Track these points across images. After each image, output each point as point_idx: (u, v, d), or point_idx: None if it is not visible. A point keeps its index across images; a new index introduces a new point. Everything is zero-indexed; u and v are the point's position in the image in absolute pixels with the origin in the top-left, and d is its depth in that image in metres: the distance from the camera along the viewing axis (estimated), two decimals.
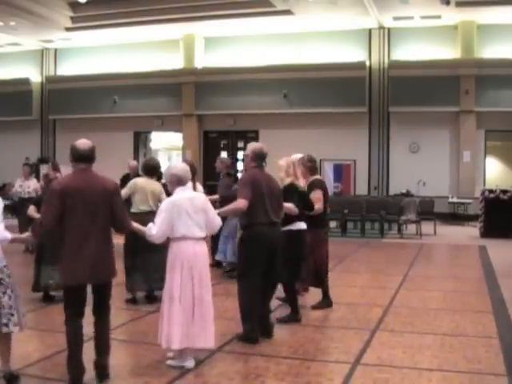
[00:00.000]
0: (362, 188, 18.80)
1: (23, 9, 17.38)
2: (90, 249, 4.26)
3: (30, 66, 22.43)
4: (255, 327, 5.42)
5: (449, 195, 17.49)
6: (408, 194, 17.25)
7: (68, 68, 22.09)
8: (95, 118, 21.00)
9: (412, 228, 14.82)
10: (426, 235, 14.39)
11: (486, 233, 14.00)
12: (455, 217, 17.47)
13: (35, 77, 22.29)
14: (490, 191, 14.31)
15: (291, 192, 6.03)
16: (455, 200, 17.33)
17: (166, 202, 4.88)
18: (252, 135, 19.88)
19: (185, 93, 20.12)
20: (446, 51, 18.14)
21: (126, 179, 9.77)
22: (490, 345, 5.45)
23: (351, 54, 18.83)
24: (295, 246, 6.08)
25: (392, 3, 16.41)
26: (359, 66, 18.46)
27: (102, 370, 4.38)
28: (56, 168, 11.97)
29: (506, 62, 17.03)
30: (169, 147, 23.30)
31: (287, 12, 17.23)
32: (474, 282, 8.86)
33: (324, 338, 5.76)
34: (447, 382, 4.55)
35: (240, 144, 20.52)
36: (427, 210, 15.13)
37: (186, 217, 4.76)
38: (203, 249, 4.92)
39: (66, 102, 20.96)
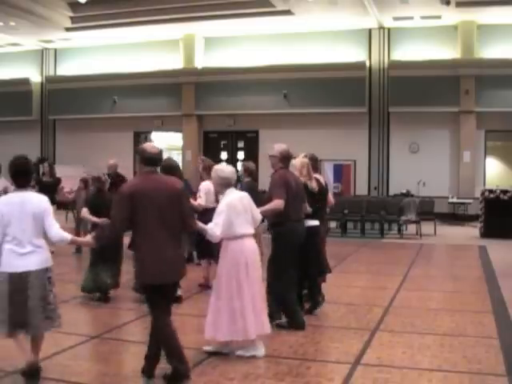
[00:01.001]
0: (362, 188, 18.80)
1: (23, 9, 17.39)
2: (160, 250, 4.34)
3: (30, 66, 22.46)
4: (300, 314, 5.98)
5: (449, 195, 17.50)
6: (408, 194, 17.25)
7: (68, 68, 22.11)
8: (95, 118, 21.01)
9: (412, 228, 14.82)
10: (426, 235, 14.39)
11: (486, 233, 14.00)
12: (455, 217, 17.48)
13: (35, 77, 22.30)
14: (490, 191, 14.30)
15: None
16: (455, 200, 17.33)
17: (224, 204, 5.07)
18: (252, 135, 19.91)
19: (185, 93, 20.13)
20: (445, 51, 18.15)
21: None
22: (489, 345, 5.45)
23: (351, 54, 18.84)
24: (315, 241, 6.44)
25: (392, 3, 16.42)
26: (359, 66, 18.47)
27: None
28: (52, 169, 11.94)
29: (506, 62, 17.04)
30: (169, 147, 23.27)
31: (287, 12, 17.24)
32: (473, 282, 8.86)
33: (324, 338, 5.76)
34: (447, 381, 4.55)
35: (240, 144, 20.54)
36: (427, 210, 15.13)
37: (242, 216, 5.08)
38: (254, 244, 5.24)
39: (66, 102, 20.97)
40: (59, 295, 4.54)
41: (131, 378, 4.57)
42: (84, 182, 10.90)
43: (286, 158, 5.97)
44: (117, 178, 9.82)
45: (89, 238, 4.68)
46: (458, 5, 16.19)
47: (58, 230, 4.43)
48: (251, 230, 5.19)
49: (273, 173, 6.00)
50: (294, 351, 5.26)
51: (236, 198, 5.13)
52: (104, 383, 4.50)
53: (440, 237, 14.51)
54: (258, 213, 5.35)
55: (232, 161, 19.41)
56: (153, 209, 4.32)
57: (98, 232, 4.67)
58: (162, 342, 4.44)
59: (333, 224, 14.81)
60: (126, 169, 11.84)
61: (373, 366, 4.87)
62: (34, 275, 4.30)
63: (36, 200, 4.43)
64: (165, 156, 6.49)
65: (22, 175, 4.44)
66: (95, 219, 6.93)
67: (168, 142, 22.82)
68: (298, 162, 6.50)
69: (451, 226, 16.76)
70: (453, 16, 17.19)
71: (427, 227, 14.59)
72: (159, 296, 4.41)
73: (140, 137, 21.55)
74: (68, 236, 4.49)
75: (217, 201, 7.43)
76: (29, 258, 4.30)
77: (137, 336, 5.81)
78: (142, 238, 4.36)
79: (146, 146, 4.61)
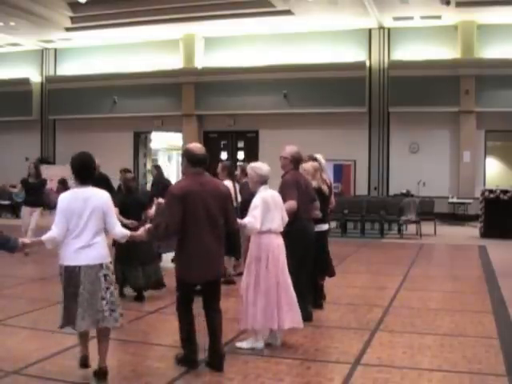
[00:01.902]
0: (362, 188, 18.80)
1: (23, 9, 17.40)
2: (206, 249, 4.58)
3: (30, 66, 22.46)
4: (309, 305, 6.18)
5: (449, 195, 17.50)
6: (408, 194, 17.25)
7: (68, 68, 22.11)
8: (95, 118, 21.02)
9: (412, 228, 14.82)
10: (426, 235, 14.39)
11: (486, 233, 14.00)
12: (455, 217, 17.48)
13: (35, 77, 22.30)
14: (490, 191, 14.30)
15: (318, 196, 6.44)
16: (455, 200, 17.34)
17: (259, 198, 5.28)
18: (252, 135, 19.92)
19: (185, 93, 20.13)
20: (445, 51, 18.15)
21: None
22: (489, 345, 5.45)
23: (351, 53, 18.85)
24: (323, 245, 6.63)
25: (392, 3, 16.43)
26: (359, 66, 18.47)
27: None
28: (38, 170, 11.42)
29: (506, 62, 17.04)
30: (169, 147, 23.30)
31: (287, 12, 17.24)
32: (473, 282, 8.86)
33: (324, 338, 5.75)
34: (447, 381, 4.55)
35: (240, 144, 20.54)
36: (427, 210, 15.13)
37: (272, 212, 5.28)
38: (281, 241, 5.40)
39: (66, 101, 20.98)
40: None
41: (131, 378, 4.57)
42: (62, 182, 10.76)
43: (296, 161, 6.13)
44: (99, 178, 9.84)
45: (142, 230, 4.72)
46: (458, 5, 16.19)
47: (121, 228, 4.55)
48: (279, 228, 5.36)
49: (283, 174, 6.13)
50: (293, 351, 5.26)
51: (269, 195, 5.35)
52: (104, 383, 4.49)
53: (440, 237, 14.51)
54: (285, 213, 5.52)
55: (232, 161, 19.39)
56: (202, 210, 4.52)
57: (152, 227, 4.68)
58: (182, 338, 4.74)
59: (333, 224, 14.78)
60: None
61: (373, 366, 4.87)
62: (85, 270, 4.31)
63: (99, 196, 4.46)
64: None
65: (86, 171, 4.46)
66: (125, 220, 6.77)
67: (168, 142, 22.85)
68: (310, 166, 6.63)
69: (451, 225, 16.76)
70: (453, 16, 17.20)
71: (427, 227, 14.59)
72: (189, 292, 4.71)
73: (140, 137, 21.57)
74: (127, 232, 4.62)
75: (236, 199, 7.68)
76: (85, 253, 4.32)
77: (137, 336, 5.81)
78: (189, 237, 4.54)
79: (193, 146, 4.73)
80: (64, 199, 4.39)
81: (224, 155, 20.37)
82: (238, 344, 5.30)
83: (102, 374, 4.41)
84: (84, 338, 4.58)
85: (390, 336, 5.77)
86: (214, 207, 4.59)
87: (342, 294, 7.61)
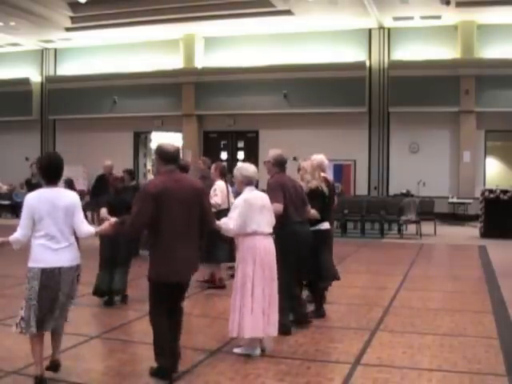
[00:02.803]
0: (362, 188, 18.80)
1: (23, 9, 17.40)
2: (181, 249, 4.41)
3: (30, 66, 22.46)
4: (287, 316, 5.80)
5: (449, 195, 17.50)
6: (408, 194, 17.25)
7: (68, 68, 22.11)
8: (95, 118, 21.02)
9: (412, 228, 14.82)
10: (426, 235, 14.39)
11: (486, 233, 14.00)
12: (455, 217, 17.48)
13: (35, 77, 22.31)
14: (490, 191, 14.30)
15: (317, 195, 6.37)
16: (455, 200, 17.34)
17: (242, 199, 5.19)
18: (252, 135, 19.92)
19: (185, 93, 20.13)
20: (445, 51, 18.15)
21: (100, 180, 9.49)
22: (489, 345, 5.45)
23: (351, 54, 18.85)
24: (326, 244, 6.55)
25: (392, 3, 16.43)
26: (359, 65, 18.47)
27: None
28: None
29: (506, 62, 17.04)
30: None
31: (287, 12, 17.25)
32: (473, 282, 8.86)
33: (324, 338, 5.75)
34: (447, 382, 4.55)
35: (240, 144, 20.54)
36: (427, 210, 15.13)
37: (257, 214, 5.13)
38: (271, 244, 5.26)
39: (66, 101, 20.98)
40: None
41: (131, 378, 4.57)
42: (69, 183, 10.78)
43: (279, 163, 6.00)
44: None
45: (107, 224, 4.64)
46: (458, 5, 16.20)
47: (87, 226, 4.47)
48: (267, 230, 5.21)
49: (269, 178, 6.02)
50: (293, 351, 5.25)
51: (255, 197, 5.22)
52: (104, 383, 4.50)
53: (440, 237, 14.51)
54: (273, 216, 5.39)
55: (232, 161, 19.41)
56: (176, 208, 4.37)
57: (118, 222, 4.63)
58: (155, 336, 4.50)
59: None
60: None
61: (373, 366, 4.87)
62: (65, 271, 4.30)
63: (67, 196, 4.44)
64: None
65: (54, 171, 4.41)
66: (115, 220, 6.77)
67: (168, 142, 22.82)
68: (309, 165, 6.53)
69: (451, 225, 16.75)
70: (453, 16, 17.20)
71: (427, 227, 14.59)
72: (164, 293, 4.47)
73: (140, 137, 21.57)
74: (92, 229, 4.53)
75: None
76: (64, 254, 4.30)
77: (137, 336, 5.81)
78: (161, 236, 4.38)
79: (164, 144, 4.66)
80: (30, 200, 4.30)
81: (224, 155, 20.38)
82: (235, 350, 5.16)
83: (55, 366, 4.43)
84: (40, 338, 4.40)
85: (390, 336, 5.77)
86: (190, 205, 4.46)
87: (341, 293, 7.60)
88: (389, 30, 18.73)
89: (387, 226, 15.39)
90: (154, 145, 22.06)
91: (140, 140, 21.61)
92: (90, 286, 6.92)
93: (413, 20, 17.72)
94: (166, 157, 4.53)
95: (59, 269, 4.26)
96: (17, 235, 4.27)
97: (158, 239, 4.40)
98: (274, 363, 4.92)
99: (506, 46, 17.53)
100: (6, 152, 21.66)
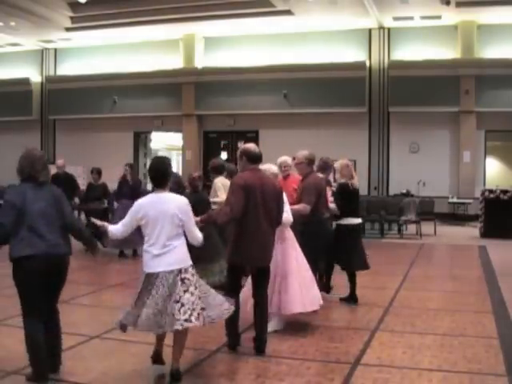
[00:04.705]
0: (361, 188, 18.58)
1: (23, 9, 17.39)
2: (261, 236, 5.04)
3: (30, 66, 22.45)
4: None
5: (449, 195, 17.49)
6: (408, 194, 17.24)
7: (68, 68, 22.10)
8: (95, 118, 21.01)
9: (412, 228, 14.81)
10: (426, 235, 14.39)
11: (486, 233, 13.99)
12: (455, 217, 17.47)
13: (35, 77, 22.30)
14: (490, 191, 14.30)
15: (344, 191, 7.01)
16: (455, 200, 17.33)
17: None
18: (252, 135, 19.88)
19: (185, 93, 20.12)
20: (445, 51, 18.14)
21: (56, 178, 9.65)
22: (489, 345, 5.45)
23: (351, 54, 18.84)
24: (357, 237, 7.23)
25: (392, 3, 16.42)
26: (359, 65, 18.46)
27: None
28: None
29: (506, 62, 17.03)
30: (169, 147, 23.29)
31: (287, 12, 17.23)
32: (473, 282, 8.86)
33: (324, 339, 5.75)
34: (447, 382, 4.55)
35: (240, 144, 20.51)
36: (427, 210, 15.13)
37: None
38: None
39: (66, 101, 20.97)
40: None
41: (131, 378, 4.57)
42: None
43: (312, 161, 6.74)
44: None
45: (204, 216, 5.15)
46: (458, 5, 16.18)
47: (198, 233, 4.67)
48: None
49: (304, 176, 6.67)
50: (293, 351, 5.26)
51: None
52: (104, 383, 4.50)
53: (440, 237, 14.51)
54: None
55: (232, 161, 19.39)
56: (260, 200, 5.00)
57: (216, 214, 5.19)
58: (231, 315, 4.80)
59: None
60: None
61: (373, 366, 4.87)
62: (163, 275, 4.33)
63: (176, 201, 4.52)
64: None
65: (161, 176, 4.52)
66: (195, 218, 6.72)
67: (168, 142, 22.85)
68: (338, 164, 7.18)
69: (451, 225, 16.75)
70: (453, 16, 17.19)
71: (427, 227, 14.59)
72: (238, 276, 5.19)
73: (140, 137, 21.57)
74: (201, 236, 4.68)
75: None
76: (163, 259, 4.36)
77: (137, 336, 5.80)
78: (246, 225, 4.97)
79: (250, 146, 5.30)
80: (140, 203, 4.49)
81: (224, 155, 20.37)
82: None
83: (172, 375, 4.41)
84: (160, 337, 4.66)
85: (390, 336, 5.78)
86: (270, 201, 5.08)
87: (342, 293, 7.59)
88: (389, 29, 18.72)
89: (387, 226, 15.38)
90: (153, 145, 22.14)
91: (140, 140, 21.60)
92: (90, 285, 6.93)
93: (413, 20, 17.70)
94: (253, 157, 5.20)
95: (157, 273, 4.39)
96: (118, 227, 4.56)
97: (243, 226, 4.98)
98: (274, 363, 4.92)
99: (506, 46, 17.52)
100: (6, 152, 21.63)
